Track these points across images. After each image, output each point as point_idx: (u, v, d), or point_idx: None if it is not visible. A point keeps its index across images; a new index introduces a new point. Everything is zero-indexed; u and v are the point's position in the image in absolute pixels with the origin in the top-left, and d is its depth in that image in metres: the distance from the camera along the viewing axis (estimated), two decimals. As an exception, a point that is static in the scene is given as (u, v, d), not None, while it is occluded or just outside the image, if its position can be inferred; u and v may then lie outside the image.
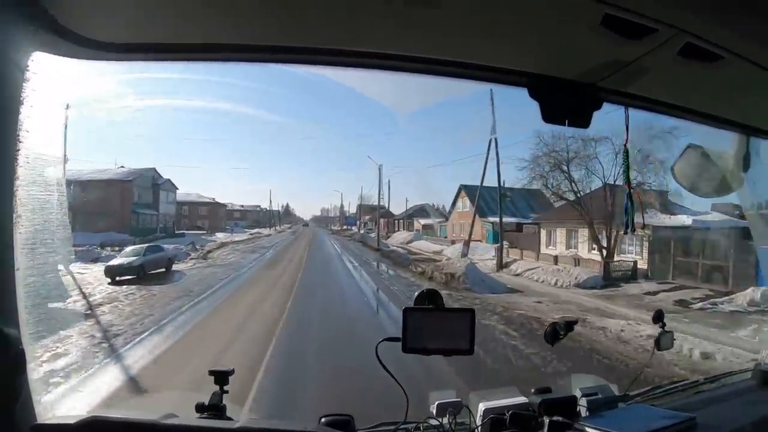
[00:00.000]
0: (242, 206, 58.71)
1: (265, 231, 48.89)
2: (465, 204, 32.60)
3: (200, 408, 1.05)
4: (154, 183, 32.94)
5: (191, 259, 19.42)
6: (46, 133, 1.18)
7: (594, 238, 18.10)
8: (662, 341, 1.42)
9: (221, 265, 17.78)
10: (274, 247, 27.57)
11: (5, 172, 0.97)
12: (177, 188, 38.14)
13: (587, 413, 1.21)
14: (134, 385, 5.28)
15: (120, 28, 0.99)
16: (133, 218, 27.23)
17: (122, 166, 28.88)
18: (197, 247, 23.14)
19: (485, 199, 28.22)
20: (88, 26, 0.95)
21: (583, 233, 19.59)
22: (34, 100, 1.06)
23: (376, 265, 20.25)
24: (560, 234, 22.08)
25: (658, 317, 1.42)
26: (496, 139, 20.97)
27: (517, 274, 18.19)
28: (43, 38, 0.94)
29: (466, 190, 32.34)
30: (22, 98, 0.99)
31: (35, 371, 1.10)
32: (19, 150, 1.01)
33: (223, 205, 51.10)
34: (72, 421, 0.94)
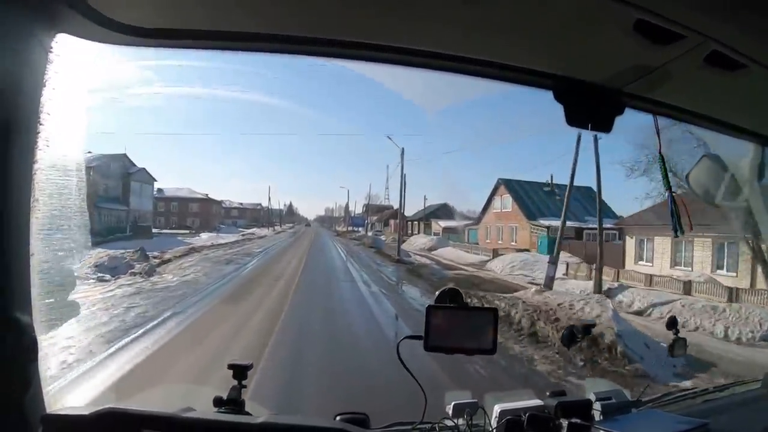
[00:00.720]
0: (241, 204, 55.89)
1: (262, 231, 45.23)
2: (504, 202, 26.61)
3: (218, 402, 1.03)
4: (124, 173, 27.45)
5: (131, 273, 13.32)
6: (68, 116, 1.17)
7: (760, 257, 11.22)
8: (676, 348, 1.42)
9: (154, 291, 10.89)
10: (262, 255, 20.64)
11: (25, 154, 0.95)
12: (155, 179, 33.63)
13: (601, 417, 1.21)
14: (148, 377, 5.10)
15: (146, 12, 0.98)
16: (94, 214, 22.04)
17: (89, 152, 22.08)
18: (149, 255, 16.07)
19: (529, 197, 24.00)
20: (113, 8, 0.94)
21: (703, 244, 13.82)
22: (57, 83, 1.05)
23: (405, 291, 12.90)
24: (661, 244, 15.78)
25: (672, 324, 1.43)
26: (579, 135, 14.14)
27: (636, 311, 11.28)
28: (69, 19, 0.93)
29: (507, 186, 26.42)
30: (44, 80, 0.98)
31: (46, 360, 1.08)
32: (39, 132, 1.00)
33: (217, 202, 46.89)
34: (86, 412, 0.92)
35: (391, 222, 46.10)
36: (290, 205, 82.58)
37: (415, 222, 44.05)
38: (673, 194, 1.18)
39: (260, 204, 56.50)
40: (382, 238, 35.29)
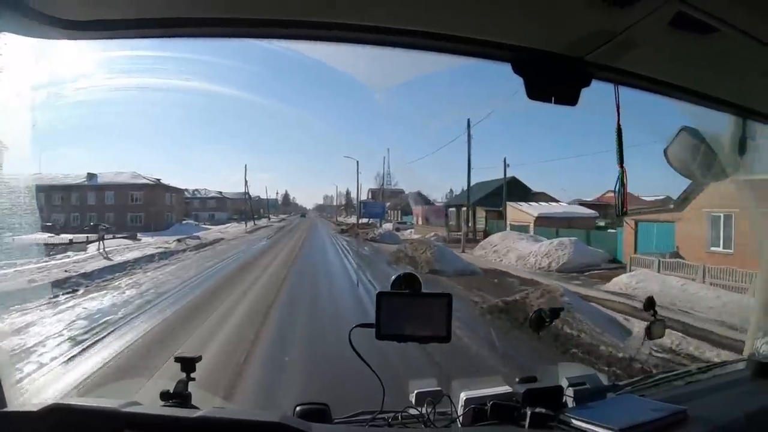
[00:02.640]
0: (221, 193, 46.96)
1: (234, 228, 34.40)
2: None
3: (165, 396, 1.02)
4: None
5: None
6: (14, 115, 1.14)
7: None
8: (654, 330, 1.37)
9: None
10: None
11: None
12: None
13: (573, 403, 1.17)
14: (105, 372, 5.13)
15: (90, 4, 0.95)
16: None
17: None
18: None
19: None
20: (55, 4, 0.91)
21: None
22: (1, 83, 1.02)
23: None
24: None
25: (650, 305, 1.38)
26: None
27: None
28: (6, 16, 0.91)
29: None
30: None
31: (2, 357, 1.07)
32: None
33: (176, 190, 34.64)
34: (34, 409, 0.93)
35: (418, 210, 36.18)
36: (286, 195, 77.09)
37: (452, 209, 30.19)
38: (623, 172, 1.12)
39: (248, 193, 45.49)
40: (433, 240, 20.86)
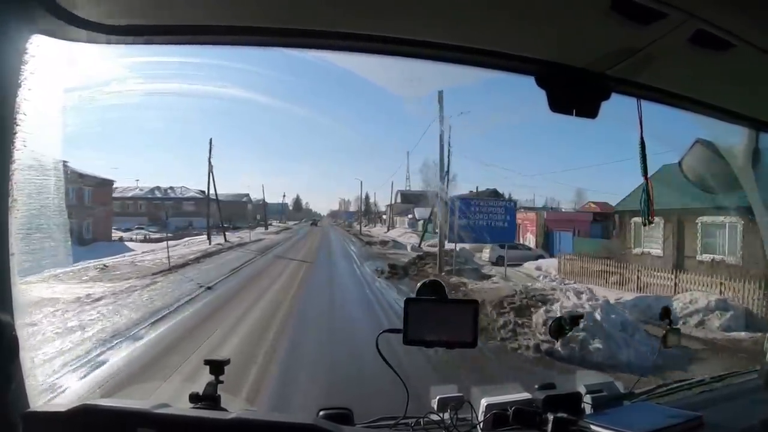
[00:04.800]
0: (203, 192, 29.05)
1: (198, 244, 22.55)
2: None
3: (194, 398, 1.03)
4: None
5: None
6: (44, 117, 1.17)
7: None
8: (669, 338, 1.39)
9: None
10: None
11: (2, 155, 0.96)
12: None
13: (592, 410, 1.19)
14: (131, 373, 5.18)
15: (121, 9, 0.98)
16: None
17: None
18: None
19: None
20: (88, 8, 0.94)
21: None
22: (32, 84, 1.04)
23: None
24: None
25: (666, 314, 1.40)
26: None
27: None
28: (42, 21, 0.94)
29: None
30: (20, 81, 0.98)
31: (28, 358, 1.08)
32: (16, 133, 1.00)
33: (102, 183, 22.69)
34: (63, 409, 0.94)
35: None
36: (297, 199, 67.63)
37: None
38: (648, 183, 1.15)
39: (247, 195, 37.17)
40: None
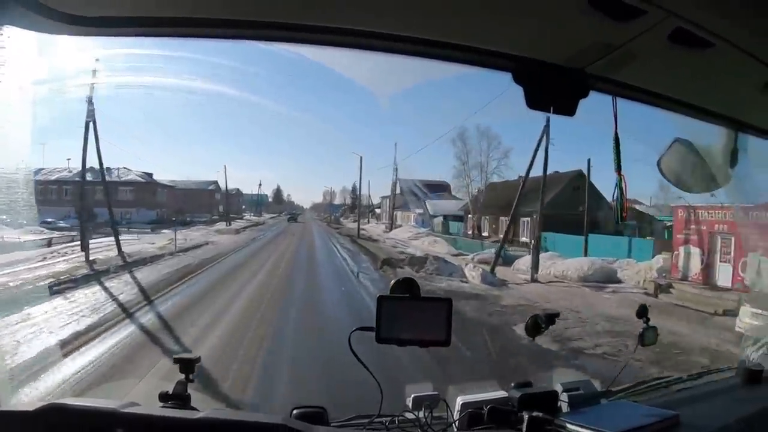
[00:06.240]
0: (150, 176, 25.66)
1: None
2: None
3: (164, 397, 1.01)
4: None
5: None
6: (14, 108, 1.14)
7: None
8: (646, 336, 1.40)
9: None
10: None
11: None
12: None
13: (568, 409, 1.19)
14: (100, 372, 5.04)
15: (93, 0, 0.95)
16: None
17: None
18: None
19: None
20: None
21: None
22: (2, 76, 1.02)
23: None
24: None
25: (642, 312, 1.40)
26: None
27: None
28: (12, 10, 0.91)
29: None
30: None
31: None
32: None
33: None
34: (30, 408, 0.92)
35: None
36: (277, 191, 63.21)
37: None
38: (621, 179, 1.15)
39: (215, 183, 29.86)
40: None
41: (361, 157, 26.17)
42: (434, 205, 27.09)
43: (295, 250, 18.40)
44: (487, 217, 23.85)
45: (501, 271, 14.30)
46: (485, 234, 23.20)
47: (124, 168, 25.33)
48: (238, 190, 36.35)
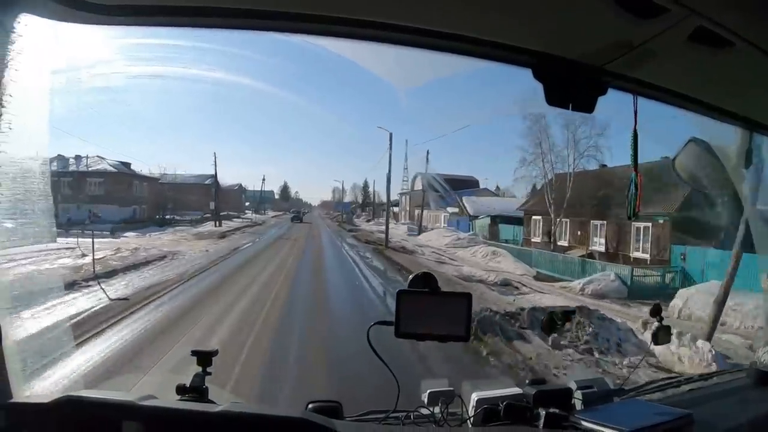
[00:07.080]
0: (128, 165, 22.66)
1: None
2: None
3: (181, 390, 1.01)
4: None
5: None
6: (30, 98, 1.13)
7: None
8: (660, 335, 1.39)
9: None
10: None
11: None
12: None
13: (582, 406, 1.18)
14: (116, 364, 5.03)
15: None
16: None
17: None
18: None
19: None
20: None
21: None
22: (19, 64, 1.01)
23: None
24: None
25: (656, 311, 1.40)
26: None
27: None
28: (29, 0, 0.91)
29: None
30: (6, 61, 0.96)
31: (11, 348, 1.05)
32: (1, 115, 0.97)
33: None
34: (47, 400, 0.91)
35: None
36: (284, 187, 61.29)
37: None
38: (637, 176, 1.15)
39: (213, 177, 27.38)
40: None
41: (390, 134, 20.62)
42: (474, 203, 21.59)
43: (290, 284, 10.75)
44: (568, 219, 16.62)
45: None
46: (562, 243, 16.59)
47: (97, 156, 21.36)
48: (240, 185, 32.95)
